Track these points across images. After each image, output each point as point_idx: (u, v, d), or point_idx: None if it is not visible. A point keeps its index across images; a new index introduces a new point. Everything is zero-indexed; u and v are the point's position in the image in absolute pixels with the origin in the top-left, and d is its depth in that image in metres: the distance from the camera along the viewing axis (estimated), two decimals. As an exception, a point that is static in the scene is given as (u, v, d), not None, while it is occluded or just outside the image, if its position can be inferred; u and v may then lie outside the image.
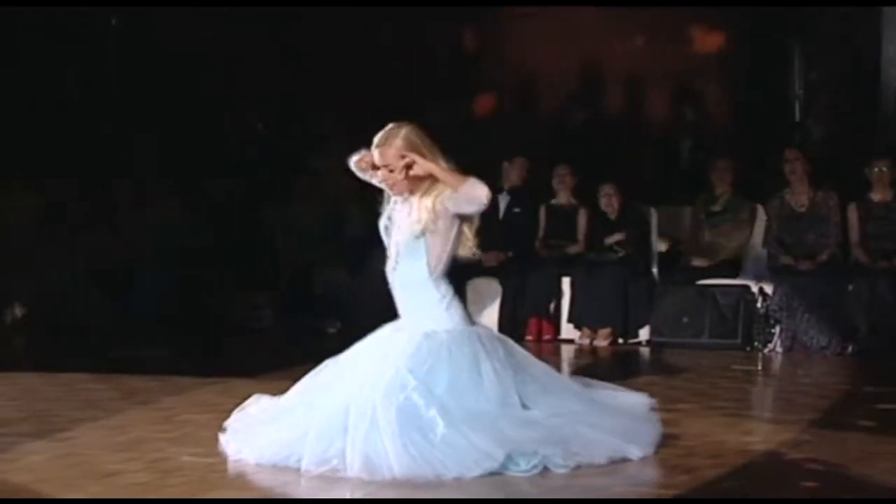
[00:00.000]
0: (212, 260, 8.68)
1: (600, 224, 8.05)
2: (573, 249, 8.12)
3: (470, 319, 4.19)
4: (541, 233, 8.23)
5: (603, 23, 9.34)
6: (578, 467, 3.84)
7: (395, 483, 3.68)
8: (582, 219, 8.14)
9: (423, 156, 4.06)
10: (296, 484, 3.76)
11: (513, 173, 8.30)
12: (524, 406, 4.02)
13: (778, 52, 9.11)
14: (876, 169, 7.43)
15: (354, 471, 3.72)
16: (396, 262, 4.16)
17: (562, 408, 4.06)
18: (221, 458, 4.09)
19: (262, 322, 8.56)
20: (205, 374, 6.02)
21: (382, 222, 4.23)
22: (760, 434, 4.73)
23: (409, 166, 4.07)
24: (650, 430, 4.17)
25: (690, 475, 3.85)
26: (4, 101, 9.00)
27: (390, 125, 4.17)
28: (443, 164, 4.08)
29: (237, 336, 8.13)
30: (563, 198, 8.26)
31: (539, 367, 4.26)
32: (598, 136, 9.41)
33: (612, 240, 7.96)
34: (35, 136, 9.45)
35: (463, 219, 4.13)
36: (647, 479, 3.88)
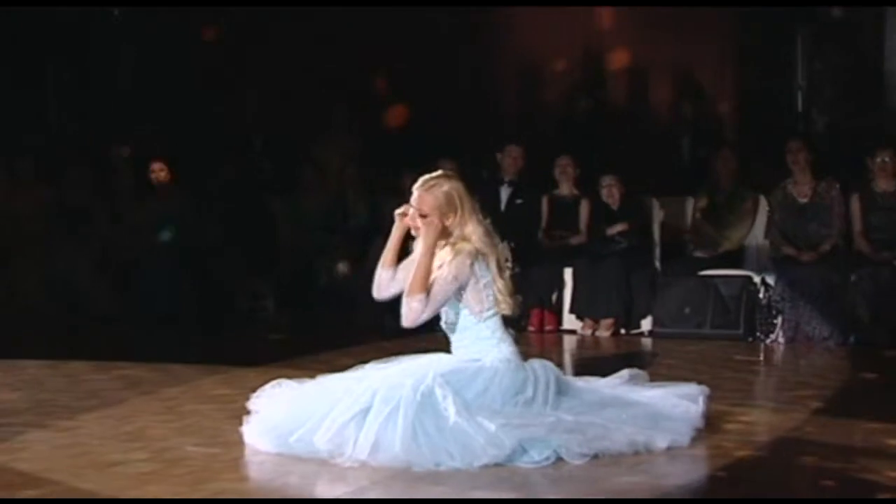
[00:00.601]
0: (216, 251, 8.67)
1: (602, 215, 8.02)
2: (575, 240, 8.09)
3: (521, 356, 4.16)
4: (543, 223, 8.21)
5: (607, 14, 9.30)
6: (596, 457, 3.77)
7: (391, 475, 3.65)
8: (584, 210, 8.12)
9: (454, 215, 4.07)
10: (298, 474, 3.75)
11: (505, 162, 8.25)
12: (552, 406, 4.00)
13: (782, 43, 9.07)
14: (879, 159, 7.40)
15: (362, 453, 3.71)
16: (446, 325, 4.16)
17: (590, 412, 4.01)
18: (225, 448, 4.09)
19: (264, 312, 8.57)
20: (208, 365, 6.02)
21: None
22: (763, 424, 4.72)
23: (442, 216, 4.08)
24: (683, 420, 4.09)
25: (693, 464, 3.84)
26: (12, 97, 9.02)
27: (440, 173, 4.21)
28: (467, 226, 4.08)
29: (240, 326, 8.13)
30: (565, 189, 8.24)
31: (589, 387, 4.24)
32: (601, 127, 9.39)
33: (614, 230, 7.93)
34: (44, 130, 9.48)
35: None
36: (645, 468, 3.85)
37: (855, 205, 7.43)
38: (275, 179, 9.42)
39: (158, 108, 9.52)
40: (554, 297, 7.90)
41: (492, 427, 3.75)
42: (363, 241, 7.68)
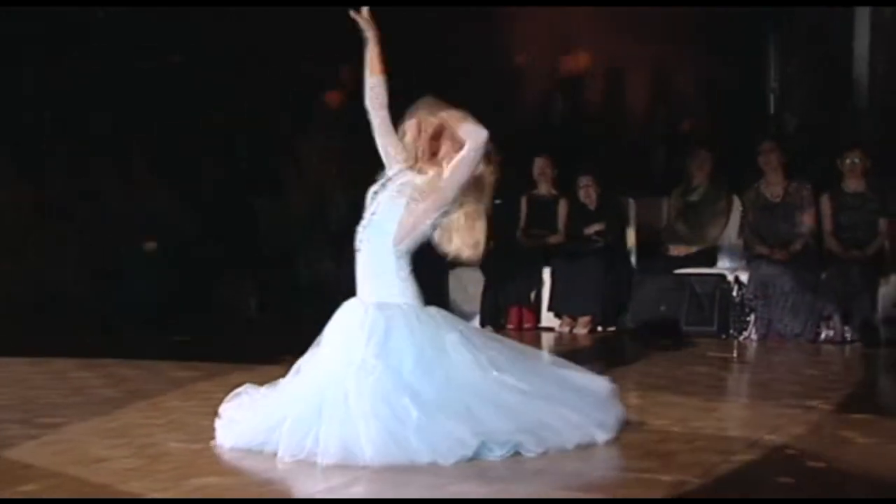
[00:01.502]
0: (199, 250, 8.65)
1: (580, 214, 8.07)
2: (553, 239, 8.14)
3: (423, 301, 4.12)
4: (522, 223, 8.25)
5: (583, 16, 9.34)
6: (546, 452, 3.85)
7: (371, 469, 3.66)
8: (562, 209, 8.16)
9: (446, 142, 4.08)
10: (283, 469, 3.76)
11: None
12: (497, 368, 3.99)
13: (754, 47, 9.14)
14: (848, 160, 7.48)
15: (330, 457, 3.70)
16: (371, 218, 4.12)
17: (535, 385, 4.02)
18: (207, 444, 4.09)
19: (247, 311, 8.55)
20: (191, 362, 6.01)
21: (374, 187, 4.20)
22: (735, 419, 4.76)
23: (432, 133, 4.10)
24: (614, 415, 4.15)
25: (666, 459, 3.87)
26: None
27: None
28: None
29: (223, 325, 8.12)
30: (543, 189, 8.28)
31: (504, 340, 4.26)
32: (578, 128, 9.42)
33: (591, 230, 7.98)
34: (29, 130, 9.40)
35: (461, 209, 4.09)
36: (624, 463, 3.89)
37: (825, 204, 7.51)
38: (256, 178, 9.40)
39: (145, 109, 9.46)
40: (532, 295, 7.93)
41: (455, 429, 3.77)
42: (344, 239, 7.69)
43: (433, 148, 4.13)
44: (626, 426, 4.23)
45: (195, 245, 8.63)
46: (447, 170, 4.06)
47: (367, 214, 4.15)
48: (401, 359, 3.92)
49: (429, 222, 4.08)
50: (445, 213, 4.12)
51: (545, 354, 4.51)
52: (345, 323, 4.09)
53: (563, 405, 4.01)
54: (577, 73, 9.55)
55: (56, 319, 8.05)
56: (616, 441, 4.06)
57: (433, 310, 4.13)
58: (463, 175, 4.04)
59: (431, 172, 4.12)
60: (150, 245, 8.37)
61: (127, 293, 8.36)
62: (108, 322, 7.94)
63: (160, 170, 8.99)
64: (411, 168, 4.17)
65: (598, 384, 4.31)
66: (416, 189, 4.08)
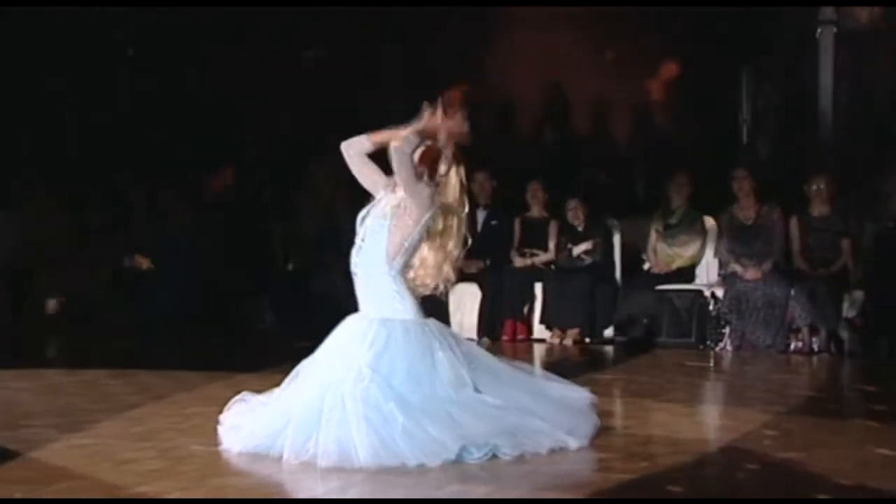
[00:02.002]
0: (220, 265, 8.65)
1: (569, 235, 8.08)
2: (545, 257, 8.14)
3: (422, 313, 4.09)
4: (516, 242, 8.25)
5: (571, 50, 9.37)
6: (522, 455, 3.82)
7: (367, 471, 3.64)
8: (553, 230, 8.17)
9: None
10: (297, 471, 3.74)
11: (476, 188, 8.23)
12: (476, 390, 3.96)
13: (727, 82, 9.19)
14: (815, 186, 7.49)
15: (328, 460, 3.67)
16: (361, 244, 4.07)
17: (511, 399, 4.00)
18: (226, 447, 4.08)
19: (264, 323, 8.56)
20: (212, 371, 6.00)
21: (362, 213, 4.14)
22: (712, 424, 4.75)
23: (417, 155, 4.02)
24: (588, 424, 4.10)
25: (649, 462, 3.86)
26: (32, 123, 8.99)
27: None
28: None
29: (242, 335, 8.11)
30: (535, 211, 8.29)
31: (489, 357, 4.22)
32: (568, 155, 9.44)
33: (579, 249, 7.98)
34: (58, 154, 9.43)
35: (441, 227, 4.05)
36: (607, 465, 3.86)
37: (794, 227, 7.51)
38: (273, 201, 9.42)
39: (168, 134, 9.50)
40: (525, 309, 7.93)
41: (438, 434, 3.75)
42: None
43: (420, 171, 4.06)
44: (609, 431, 4.20)
45: (217, 261, 8.64)
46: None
47: (357, 240, 4.11)
48: (393, 369, 3.91)
49: (416, 232, 4.03)
50: (430, 219, 4.04)
51: (527, 367, 4.45)
52: (346, 334, 4.08)
53: (534, 415, 3.96)
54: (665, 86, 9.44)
55: (87, 332, 8.05)
56: (600, 446, 4.04)
57: (432, 323, 4.10)
58: (399, 174, 3.96)
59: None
60: (143, 262, 8.40)
61: (152, 306, 8.36)
62: (136, 335, 7.93)
63: (184, 189, 9.04)
64: (393, 190, 4.11)
65: (577, 394, 4.26)
66: (394, 207, 4.04)
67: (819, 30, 8.68)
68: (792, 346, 7.12)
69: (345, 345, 4.03)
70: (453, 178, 4.10)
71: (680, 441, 4.20)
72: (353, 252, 4.13)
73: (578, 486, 3.61)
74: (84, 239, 8.78)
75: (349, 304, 4.26)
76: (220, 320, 8.33)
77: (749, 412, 4.86)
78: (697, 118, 9.25)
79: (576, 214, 8.05)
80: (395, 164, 3.98)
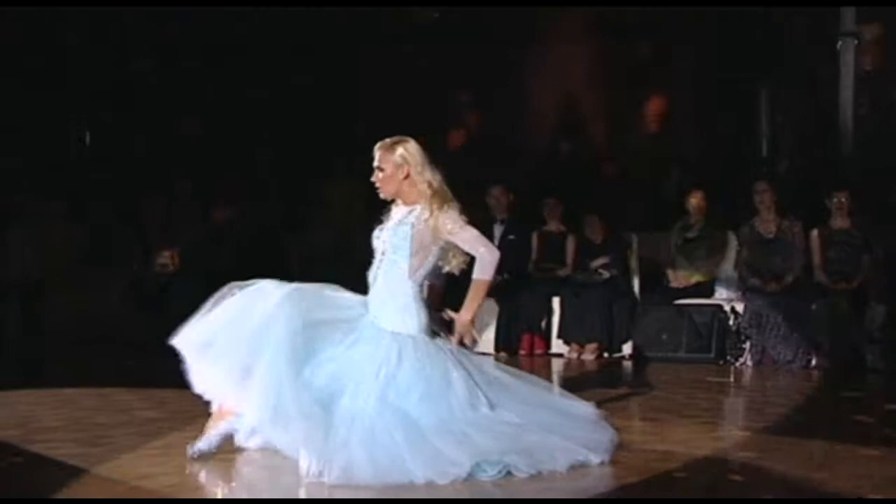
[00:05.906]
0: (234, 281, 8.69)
1: (586, 249, 8.09)
2: (562, 272, 8.16)
3: (430, 330, 4.14)
4: (533, 257, 8.28)
5: (588, 65, 9.42)
6: (539, 473, 3.79)
7: (374, 488, 3.62)
8: (570, 244, 8.19)
9: (415, 170, 4.11)
10: (313, 485, 3.77)
11: (492, 202, 8.29)
12: (491, 406, 3.99)
13: (748, 97, 9.21)
14: (836, 199, 7.49)
15: (334, 479, 3.64)
16: (382, 258, 4.15)
17: (529, 416, 4.01)
18: (241, 457, 4.11)
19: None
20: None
21: (375, 232, 4.25)
22: (732, 441, 4.74)
23: (407, 176, 4.13)
24: (606, 438, 4.09)
25: (667, 479, 3.86)
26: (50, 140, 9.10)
27: (398, 137, 4.22)
28: (433, 180, 4.13)
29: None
30: (552, 225, 8.31)
31: (505, 373, 4.24)
32: (585, 169, 9.47)
33: (597, 263, 8.00)
34: (76, 170, 9.53)
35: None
36: (624, 483, 3.87)
37: (815, 240, 7.51)
38: (287, 216, 9.49)
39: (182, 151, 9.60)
40: (543, 323, 7.94)
41: (451, 452, 3.74)
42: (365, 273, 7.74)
43: (400, 191, 4.19)
44: (628, 447, 4.21)
45: (231, 278, 8.68)
46: (453, 227, 4.09)
47: (377, 255, 4.19)
48: (409, 388, 3.93)
49: (435, 250, 4.13)
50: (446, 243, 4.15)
51: (540, 381, 4.45)
52: (353, 326, 4.08)
53: (554, 433, 3.96)
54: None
55: (103, 349, 8.11)
56: (618, 462, 4.03)
57: (441, 342, 4.14)
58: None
59: (420, 205, 4.14)
60: (170, 259, 8.41)
61: (168, 321, 8.40)
62: (151, 350, 7.97)
63: (199, 206, 9.11)
64: (404, 204, 4.21)
65: (584, 410, 4.26)
66: (416, 220, 4.11)
67: (840, 42, 8.69)
68: (813, 362, 7.10)
69: (355, 355, 4.02)
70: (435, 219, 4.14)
71: (699, 458, 4.20)
72: (373, 265, 4.20)
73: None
74: (99, 255, 8.86)
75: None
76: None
77: (770, 429, 4.85)
78: (718, 133, 9.27)
79: (593, 229, 8.07)
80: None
